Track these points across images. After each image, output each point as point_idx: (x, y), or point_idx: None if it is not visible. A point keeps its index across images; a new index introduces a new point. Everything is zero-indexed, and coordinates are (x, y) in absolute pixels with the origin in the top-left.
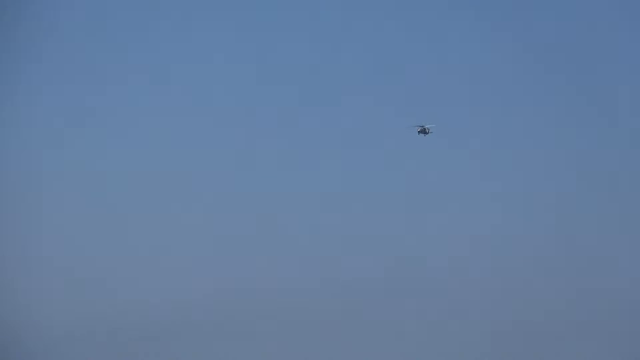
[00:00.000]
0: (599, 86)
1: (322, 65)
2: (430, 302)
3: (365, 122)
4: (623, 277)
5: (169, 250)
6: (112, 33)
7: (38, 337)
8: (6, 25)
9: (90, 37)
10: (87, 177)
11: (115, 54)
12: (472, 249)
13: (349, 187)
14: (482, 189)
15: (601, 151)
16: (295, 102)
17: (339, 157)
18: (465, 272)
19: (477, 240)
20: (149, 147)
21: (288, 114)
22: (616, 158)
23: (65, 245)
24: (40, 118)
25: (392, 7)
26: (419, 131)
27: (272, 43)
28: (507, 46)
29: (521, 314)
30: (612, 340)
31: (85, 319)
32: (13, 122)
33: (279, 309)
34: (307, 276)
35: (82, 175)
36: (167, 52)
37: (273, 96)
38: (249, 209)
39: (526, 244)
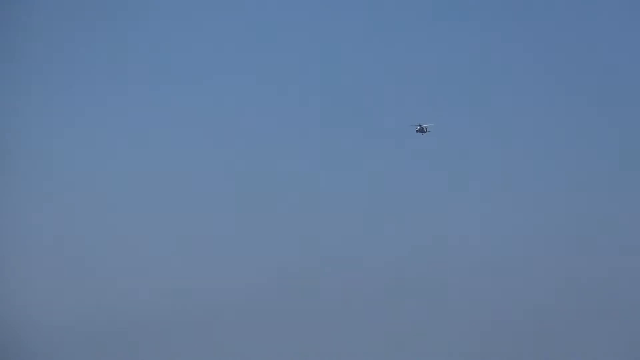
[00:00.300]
0: (598, 86)
1: (321, 66)
2: (426, 302)
3: (363, 123)
4: (622, 277)
5: (165, 251)
6: (112, 33)
7: (31, 336)
8: (6, 26)
9: (92, 38)
10: (80, 177)
11: (116, 55)
12: (468, 249)
13: (345, 187)
14: (477, 188)
15: (599, 152)
16: (294, 103)
17: (336, 157)
18: (460, 272)
19: (472, 240)
20: (145, 147)
21: (285, 114)
22: (615, 158)
23: (59, 243)
24: (38, 117)
25: (391, 7)
26: (417, 130)
27: (270, 44)
28: (504, 46)
29: (517, 314)
30: (612, 338)
31: (81, 316)
32: (12, 123)
33: (274, 309)
34: (302, 276)
35: (76, 176)
36: (169, 54)
37: (271, 97)
38: (246, 210)
39: (524, 244)
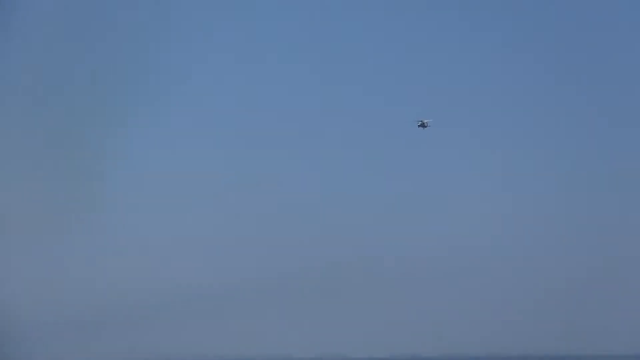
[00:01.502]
0: (601, 87)
1: (324, 65)
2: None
3: (370, 121)
4: (621, 277)
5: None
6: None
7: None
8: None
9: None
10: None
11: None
12: (467, 247)
13: (348, 186)
14: (478, 187)
15: (602, 151)
16: (297, 104)
17: (341, 156)
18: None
19: (472, 238)
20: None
21: (288, 114)
22: (618, 158)
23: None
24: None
25: (393, 6)
26: (419, 125)
27: (274, 42)
28: (507, 45)
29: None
30: (612, 341)
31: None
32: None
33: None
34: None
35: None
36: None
37: (272, 94)
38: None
39: (525, 242)
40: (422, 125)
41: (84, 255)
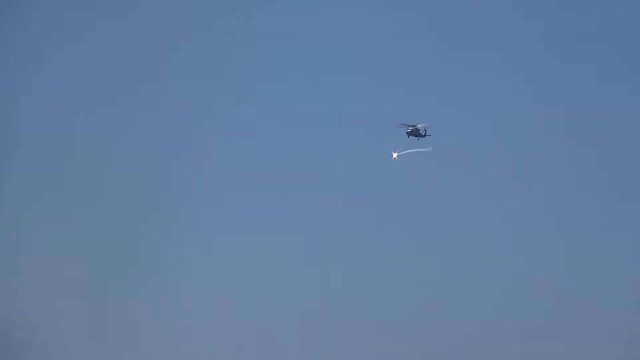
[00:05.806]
0: (605, 90)
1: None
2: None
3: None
4: (622, 282)
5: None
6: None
7: None
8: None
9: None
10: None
11: None
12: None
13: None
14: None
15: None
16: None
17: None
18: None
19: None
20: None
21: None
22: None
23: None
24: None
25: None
26: (408, 132)
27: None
28: (512, 45)
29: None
30: (612, 342)
31: None
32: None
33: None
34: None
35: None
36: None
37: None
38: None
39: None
40: (415, 133)
41: None
